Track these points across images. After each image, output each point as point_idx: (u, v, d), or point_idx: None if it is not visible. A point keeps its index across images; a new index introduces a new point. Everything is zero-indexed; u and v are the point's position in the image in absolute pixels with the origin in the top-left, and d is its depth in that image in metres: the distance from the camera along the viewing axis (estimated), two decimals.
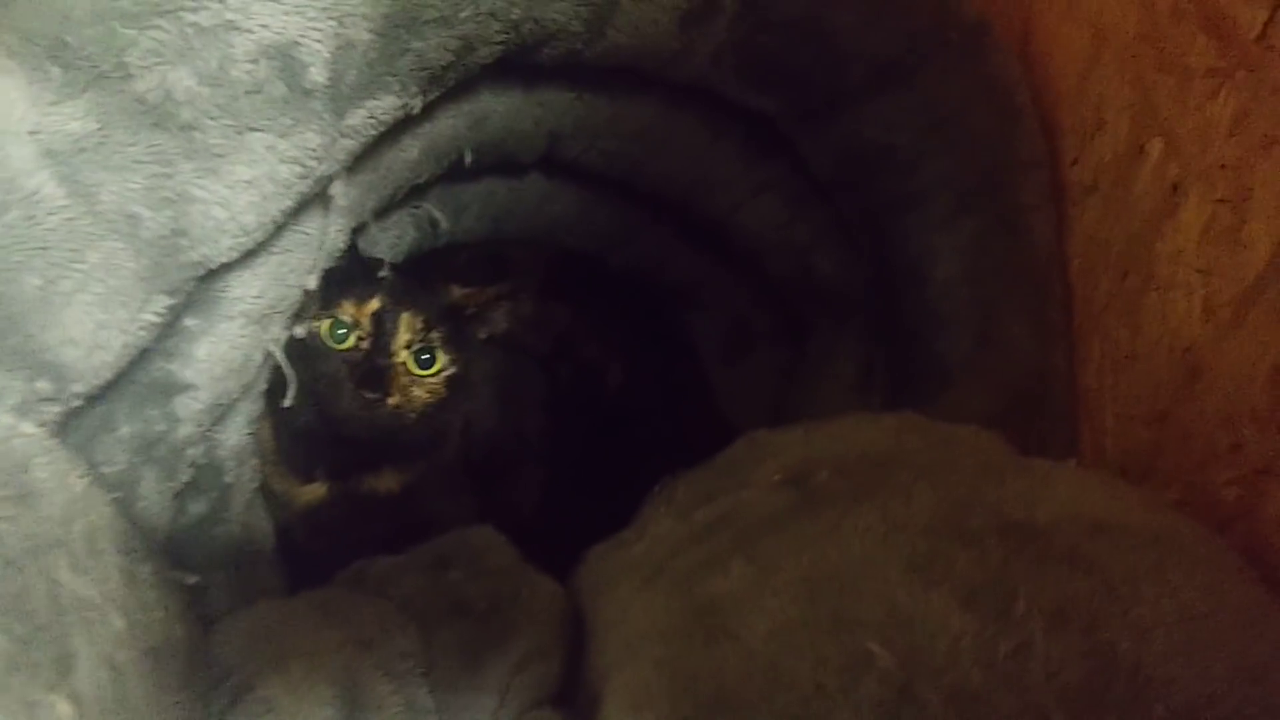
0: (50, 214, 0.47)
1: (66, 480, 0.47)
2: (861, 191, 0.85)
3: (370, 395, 0.76)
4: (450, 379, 0.82)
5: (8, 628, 0.40)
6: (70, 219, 0.47)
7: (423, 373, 0.80)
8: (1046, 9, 0.86)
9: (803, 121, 0.83)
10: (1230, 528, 0.60)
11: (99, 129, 0.47)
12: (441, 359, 0.81)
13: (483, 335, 0.87)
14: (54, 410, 0.49)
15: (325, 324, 0.77)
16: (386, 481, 0.85)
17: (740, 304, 1.10)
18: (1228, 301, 0.62)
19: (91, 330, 0.49)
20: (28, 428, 0.46)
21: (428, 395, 0.81)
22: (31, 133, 0.46)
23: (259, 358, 0.66)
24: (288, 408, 0.72)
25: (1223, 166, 0.63)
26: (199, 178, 0.51)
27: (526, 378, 1.07)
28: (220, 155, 0.51)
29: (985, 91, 0.80)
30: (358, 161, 0.64)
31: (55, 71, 0.47)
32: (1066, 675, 0.42)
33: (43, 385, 0.48)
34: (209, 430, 0.65)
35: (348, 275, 0.77)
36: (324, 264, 0.68)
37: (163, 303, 0.53)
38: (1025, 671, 0.42)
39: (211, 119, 0.51)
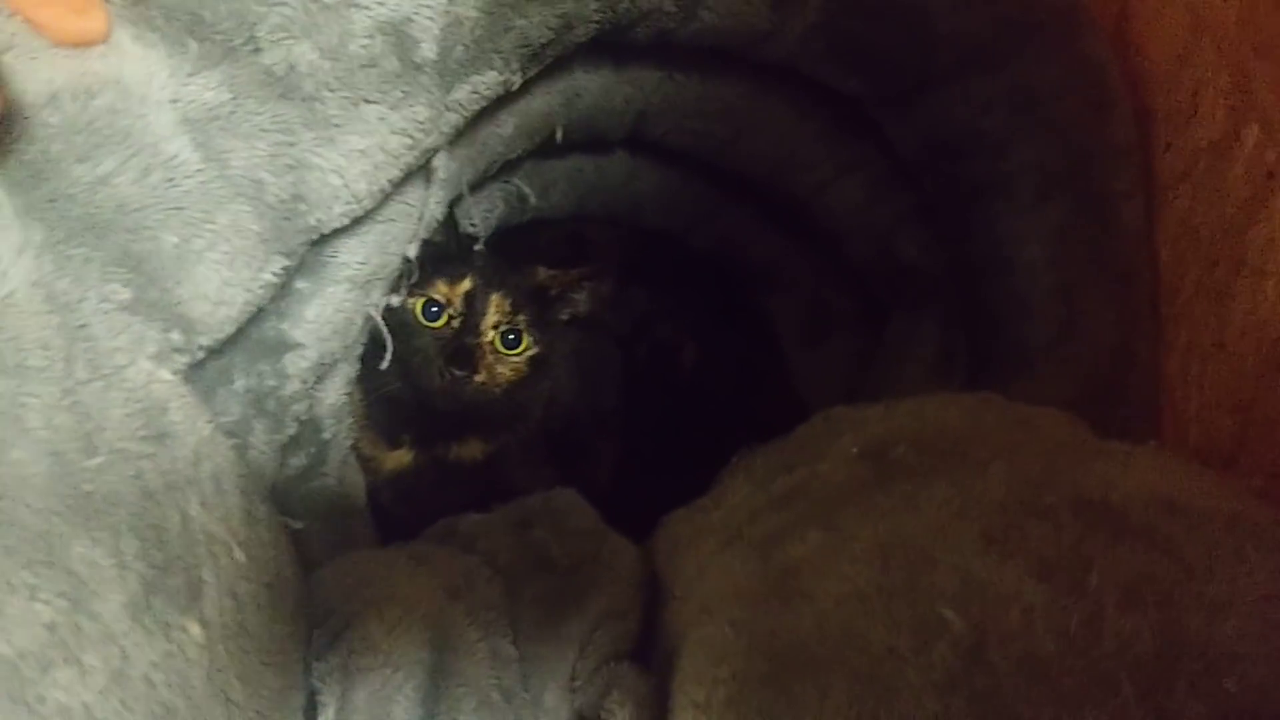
0: (187, 177, 0.50)
1: (196, 424, 0.51)
2: (948, 174, 0.84)
3: (458, 372, 0.80)
4: (533, 359, 0.86)
5: (147, 554, 0.44)
6: (204, 182, 0.51)
7: (508, 352, 0.84)
8: None
9: (890, 104, 0.83)
10: None
11: (231, 99, 0.51)
12: (526, 340, 0.85)
13: (564, 316, 0.90)
14: (182, 361, 0.53)
15: (419, 302, 0.80)
16: (471, 450, 0.89)
17: (820, 287, 1.11)
18: None
19: (218, 287, 0.53)
20: (164, 374, 0.50)
21: (512, 373, 0.85)
22: (172, 101, 0.50)
23: (360, 321, 0.70)
24: (377, 375, 0.76)
25: None
26: (318, 146, 0.55)
27: (604, 356, 1.10)
28: (337, 125, 0.55)
29: (1078, 75, 0.79)
30: (457, 136, 0.67)
31: (192, 45, 0.50)
32: (1137, 647, 0.43)
33: (175, 336, 0.51)
34: (312, 388, 0.69)
35: (443, 252, 0.80)
36: (423, 234, 0.71)
37: (280, 264, 0.57)
38: (1096, 641, 0.43)
39: (330, 91, 0.54)
